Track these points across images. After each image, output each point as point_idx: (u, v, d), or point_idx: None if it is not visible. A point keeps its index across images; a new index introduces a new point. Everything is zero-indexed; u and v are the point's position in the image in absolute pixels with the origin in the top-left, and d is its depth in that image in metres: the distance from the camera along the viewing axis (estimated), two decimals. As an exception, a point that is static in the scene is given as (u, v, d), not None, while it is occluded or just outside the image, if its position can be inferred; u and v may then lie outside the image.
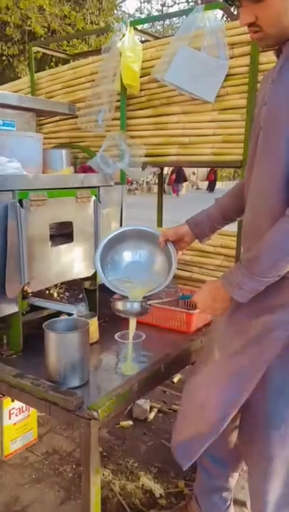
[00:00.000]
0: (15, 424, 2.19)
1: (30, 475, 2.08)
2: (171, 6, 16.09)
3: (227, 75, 2.24)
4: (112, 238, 1.75)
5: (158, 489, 1.97)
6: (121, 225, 2.29)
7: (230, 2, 1.20)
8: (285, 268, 1.22)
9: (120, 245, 1.78)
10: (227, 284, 1.32)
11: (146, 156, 2.46)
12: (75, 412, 1.37)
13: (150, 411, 2.56)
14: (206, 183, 24.15)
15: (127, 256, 1.78)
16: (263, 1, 1.11)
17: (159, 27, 15.49)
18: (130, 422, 2.47)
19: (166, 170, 20.22)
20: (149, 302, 1.64)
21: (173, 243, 1.68)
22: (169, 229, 1.70)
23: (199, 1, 12.24)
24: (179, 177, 20.80)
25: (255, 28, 1.18)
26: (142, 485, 2.00)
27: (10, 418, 2.17)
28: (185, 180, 21.38)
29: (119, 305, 1.63)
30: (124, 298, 1.63)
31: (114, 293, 1.64)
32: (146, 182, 21.84)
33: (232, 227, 2.23)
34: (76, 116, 2.83)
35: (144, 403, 2.54)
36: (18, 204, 1.68)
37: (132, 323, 1.67)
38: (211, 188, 22.14)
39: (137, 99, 2.60)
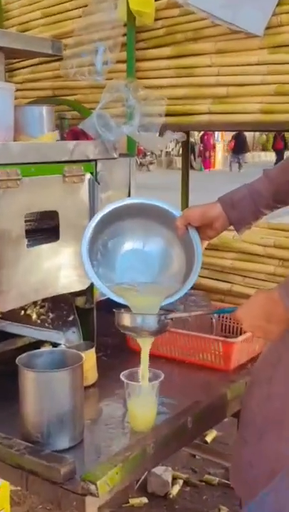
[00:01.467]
0: (-22, 502, 2.22)
1: None
2: None
3: (281, -3, 2.25)
4: (109, 215, 1.75)
5: None
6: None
7: None
8: None
9: (119, 226, 1.79)
10: (288, 297, 1.33)
11: (165, 114, 2.48)
12: (63, 486, 1.38)
13: (173, 483, 2.57)
14: (252, 154, 24.11)
15: (127, 244, 1.81)
16: None
17: None
18: (144, 500, 2.49)
19: (196, 135, 20.22)
20: (170, 316, 1.64)
21: (197, 230, 1.69)
22: (193, 208, 1.70)
23: None
24: (240, 145, 20.64)
25: None
26: None
27: None
28: (247, 150, 21.25)
29: (127, 319, 1.64)
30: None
31: (119, 304, 1.66)
32: (166, 153, 21.87)
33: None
34: (62, 58, 2.86)
35: (163, 472, 2.55)
36: (-20, 186, 1.72)
37: (145, 346, 1.68)
38: (280, 159, 21.93)
39: (151, 32, 2.62)
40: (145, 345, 1.67)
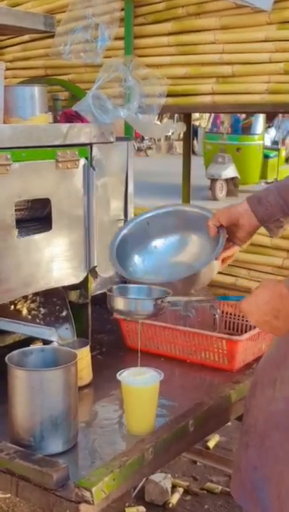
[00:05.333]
0: None
1: None
2: None
3: None
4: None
5: None
6: (126, 203, 2.35)
7: None
8: None
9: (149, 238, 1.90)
10: None
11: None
12: (56, 492, 1.39)
13: (172, 492, 2.58)
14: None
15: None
16: None
17: None
18: (142, 509, 2.49)
19: (198, 117, 20.15)
20: (167, 299, 1.66)
21: (228, 231, 1.73)
22: (223, 209, 1.75)
23: None
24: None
25: None
26: None
27: None
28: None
29: (120, 303, 1.67)
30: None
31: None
32: (166, 137, 21.75)
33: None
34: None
35: (162, 479, 2.56)
36: None
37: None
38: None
39: (150, 6, 2.62)
40: None
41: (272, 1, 2.28)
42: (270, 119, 12.49)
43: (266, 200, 1.68)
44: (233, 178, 11.04)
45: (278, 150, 12.05)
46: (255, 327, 2.12)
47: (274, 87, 2.32)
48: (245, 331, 2.14)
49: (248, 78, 2.39)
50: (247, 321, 2.23)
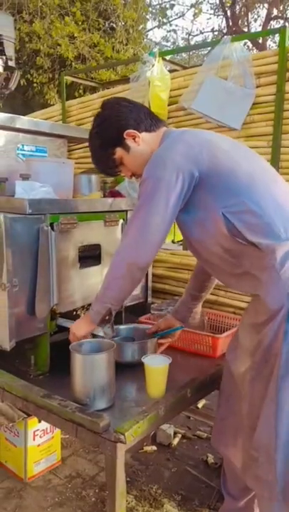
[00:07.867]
0: (39, 445, 2.20)
1: (53, 498, 2.07)
2: (197, 35, 16.43)
3: (253, 104, 2.29)
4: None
5: (182, 517, 1.94)
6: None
7: (110, 175, 1.69)
8: (110, 293, 1.54)
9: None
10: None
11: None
12: (101, 435, 1.37)
13: (174, 437, 2.53)
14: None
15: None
16: (122, 164, 1.59)
17: (184, 55, 15.79)
18: (154, 448, 2.45)
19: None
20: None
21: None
22: (160, 320, 1.94)
23: (224, 30, 12.48)
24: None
25: (134, 176, 1.64)
26: (166, 512, 1.97)
27: (34, 439, 2.17)
28: None
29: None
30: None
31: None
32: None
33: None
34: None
35: (168, 428, 2.51)
36: (49, 227, 1.74)
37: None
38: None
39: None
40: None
41: (242, 122, 2.32)
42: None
43: (180, 311, 1.86)
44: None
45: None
46: (229, 329, 2.10)
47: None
48: (223, 331, 2.11)
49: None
50: (224, 324, 2.21)
